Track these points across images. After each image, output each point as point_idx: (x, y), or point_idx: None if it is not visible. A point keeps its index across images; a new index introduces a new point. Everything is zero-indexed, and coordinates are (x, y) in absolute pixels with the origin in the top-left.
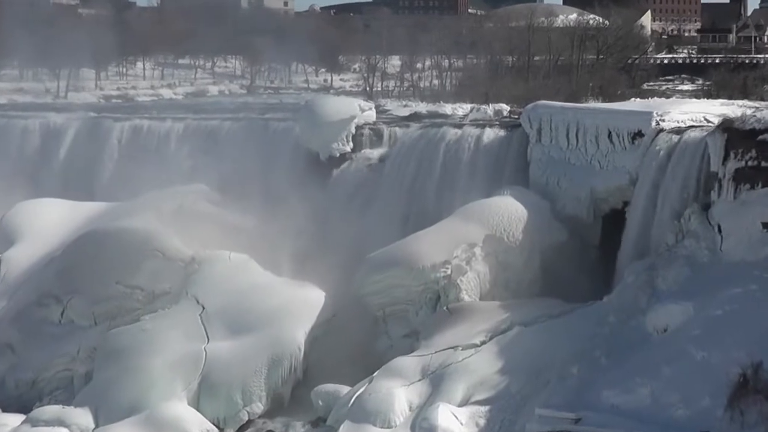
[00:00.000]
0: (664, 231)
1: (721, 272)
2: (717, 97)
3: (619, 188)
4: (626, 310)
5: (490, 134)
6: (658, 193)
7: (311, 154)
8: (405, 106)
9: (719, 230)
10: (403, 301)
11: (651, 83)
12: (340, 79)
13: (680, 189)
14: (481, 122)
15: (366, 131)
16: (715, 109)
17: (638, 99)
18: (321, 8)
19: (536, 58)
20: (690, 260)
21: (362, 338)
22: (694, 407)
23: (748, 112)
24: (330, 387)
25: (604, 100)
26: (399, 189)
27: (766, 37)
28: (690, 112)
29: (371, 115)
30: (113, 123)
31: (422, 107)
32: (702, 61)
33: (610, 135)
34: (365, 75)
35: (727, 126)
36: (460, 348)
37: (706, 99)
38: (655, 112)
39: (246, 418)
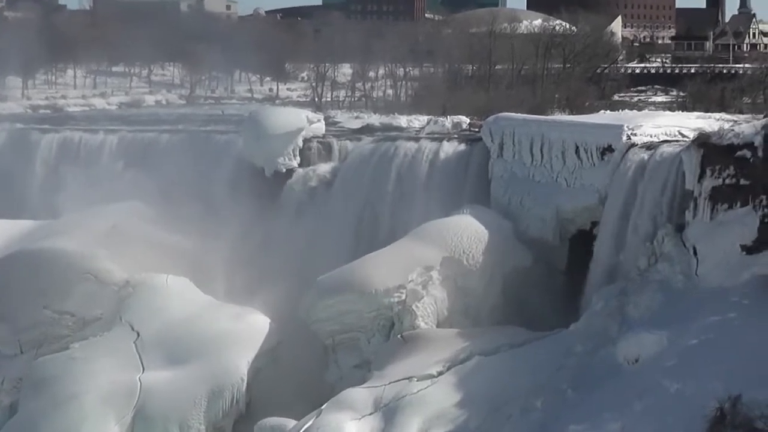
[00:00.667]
0: (635, 254)
1: (696, 298)
2: (693, 109)
3: (587, 208)
4: (595, 339)
5: (448, 148)
6: (630, 213)
7: (255, 169)
8: (356, 117)
9: (695, 253)
10: (354, 328)
11: (622, 94)
12: (287, 89)
13: (653, 209)
14: (438, 135)
15: (314, 145)
16: (690, 123)
17: (608, 111)
18: (266, 12)
19: (498, 66)
20: (663, 285)
21: (310, 368)
22: None
23: (726, 126)
24: (275, 420)
25: (571, 113)
26: (350, 207)
27: (745, 45)
28: (664, 125)
29: (320, 127)
30: (41, 135)
31: (375, 119)
32: (677, 70)
33: (577, 150)
34: (314, 84)
35: (703, 141)
36: (416, 379)
37: (680, 112)
38: (626, 126)
39: None
